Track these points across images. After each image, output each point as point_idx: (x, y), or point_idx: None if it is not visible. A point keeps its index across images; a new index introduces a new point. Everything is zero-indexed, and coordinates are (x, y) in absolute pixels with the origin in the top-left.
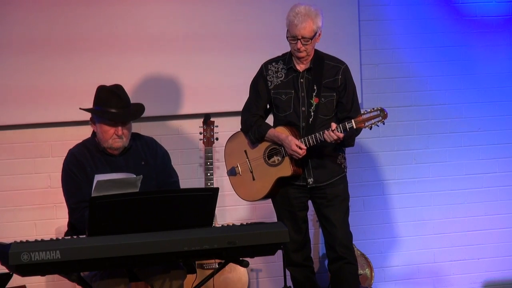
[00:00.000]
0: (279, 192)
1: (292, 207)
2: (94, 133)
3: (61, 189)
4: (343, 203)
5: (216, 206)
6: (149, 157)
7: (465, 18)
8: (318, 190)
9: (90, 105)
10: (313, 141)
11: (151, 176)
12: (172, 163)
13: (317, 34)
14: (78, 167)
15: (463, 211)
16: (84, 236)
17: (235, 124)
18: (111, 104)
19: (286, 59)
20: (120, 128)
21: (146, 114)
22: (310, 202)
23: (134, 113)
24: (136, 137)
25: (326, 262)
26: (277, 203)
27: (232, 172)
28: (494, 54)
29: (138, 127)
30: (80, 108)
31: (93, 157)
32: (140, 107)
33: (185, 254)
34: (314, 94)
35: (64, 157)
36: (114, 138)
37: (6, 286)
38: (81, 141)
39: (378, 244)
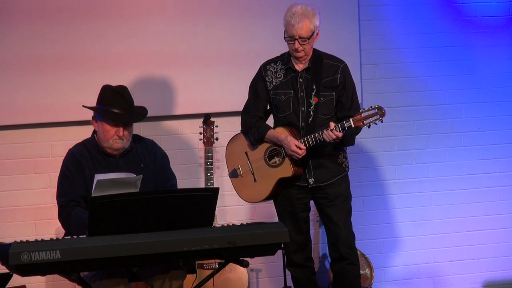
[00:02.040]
0: (281, 193)
1: (294, 208)
2: (94, 133)
3: None
4: (346, 203)
5: (216, 206)
6: (149, 160)
7: (465, 18)
8: (320, 190)
9: (90, 105)
10: (313, 141)
11: (150, 179)
12: (172, 163)
13: (315, 33)
14: (76, 166)
15: (463, 211)
16: (84, 236)
17: (235, 124)
18: (115, 104)
19: (285, 59)
20: (121, 129)
21: None
22: (311, 203)
23: (136, 115)
24: (136, 139)
25: (327, 262)
26: (279, 204)
27: (233, 174)
28: (494, 54)
29: (138, 127)
30: (83, 106)
31: (92, 157)
32: (143, 110)
33: (185, 254)
34: (313, 93)
35: (63, 157)
36: (115, 138)
37: (6, 286)
38: (81, 140)
39: (378, 244)
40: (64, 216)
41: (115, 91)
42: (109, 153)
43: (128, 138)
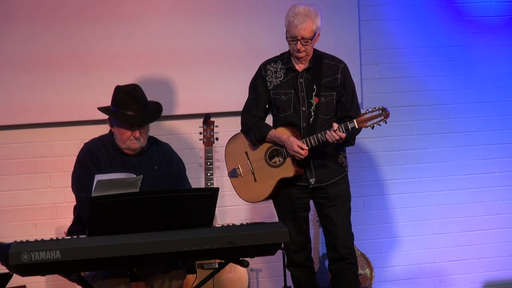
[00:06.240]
0: (281, 193)
1: (294, 207)
2: (111, 130)
3: (61, 189)
4: (345, 203)
5: (216, 206)
6: (163, 163)
7: (465, 18)
8: (320, 190)
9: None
10: (315, 142)
11: (163, 181)
12: None
13: (317, 34)
14: (93, 161)
15: (463, 211)
16: (84, 236)
17: (235, 124)
18: (128, 106)
19: (285, 59)
20: (137, 131)
21: None
22: (311, 202)
23: (151, 115)
24: (152, 141)
25: (327, 261)
26: (279, 203)
27: (233, 174)
28: (494, 54)
29: None
30: (98, 108)
31: (108, 154)
32: (157, 108)
33: (185, 254)
34: (313, 93)
35: (63, 156)
36: (131, 139)
37: (6, 286)
38: (98, 136)
39: (378, 244)
40: (84, 211)
41: (127, 92)
42: (125, 152)
43: (145, 137)
